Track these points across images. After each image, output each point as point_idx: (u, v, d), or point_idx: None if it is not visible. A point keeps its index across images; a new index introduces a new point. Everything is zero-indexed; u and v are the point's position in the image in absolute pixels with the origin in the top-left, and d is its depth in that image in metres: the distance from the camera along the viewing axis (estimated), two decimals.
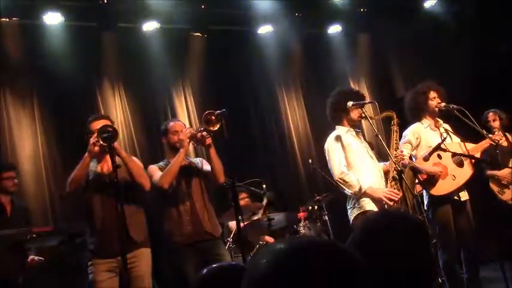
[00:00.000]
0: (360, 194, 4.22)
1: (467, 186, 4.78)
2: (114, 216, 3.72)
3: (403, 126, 4.83)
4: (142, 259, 3.97)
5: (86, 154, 3.84)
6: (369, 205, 4.21)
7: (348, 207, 4.37)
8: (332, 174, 4.41)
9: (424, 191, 4.82)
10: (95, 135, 3.80)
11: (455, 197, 4.69)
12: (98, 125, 3.96)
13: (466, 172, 4.74)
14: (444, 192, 4.65)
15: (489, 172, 5.70)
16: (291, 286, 0.99)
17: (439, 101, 4.85)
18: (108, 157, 3.93)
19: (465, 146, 4.70)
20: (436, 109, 4.84)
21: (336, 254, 1.04)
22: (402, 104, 5.18)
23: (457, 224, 4.67)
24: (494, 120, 5.75)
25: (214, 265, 1.74)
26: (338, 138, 4.37)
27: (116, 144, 3.81)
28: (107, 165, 4.00)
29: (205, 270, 1.69)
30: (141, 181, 3.99)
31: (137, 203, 4.08)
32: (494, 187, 5.74)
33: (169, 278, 5.27)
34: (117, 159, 3.77)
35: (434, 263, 4.21)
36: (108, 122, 4.03)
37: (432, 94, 4.88)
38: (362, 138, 4.61)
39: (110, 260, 3.87)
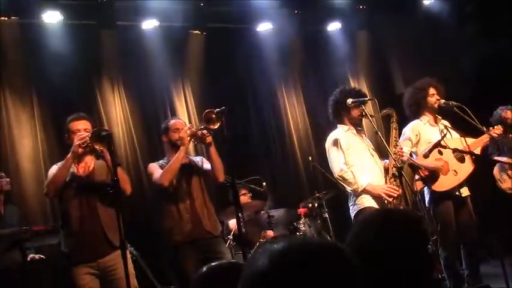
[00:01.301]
0: (360, 191, 4.23)
1: (468, 181, 4.78)
2: (92, 219, 3.73)
3: (402, 123, 4.84)
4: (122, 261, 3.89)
5: (69, 155, 3.76)
6: (368, 202, 4.23)
7: (350, 204, 4.39)
8: (332, 172, 4.43)
9: (426, 188, 4.82)
10: (83, 135, 3.73)
11: (457, 193, 4.70)
12: (77, 125, 3.90)
13: (467, 167, 4.74)
14: (446, 187, 4.66)
15: (495, 158, 5.68)
16: (285, 285, 0.99)
17: (438, 98, 4.85)
18: (87, 159, 3.89)
19: (465, 141, 4.70)
20: (435, 106, 4.85)
21: (330, 255, 1.04)
22: (401, 101, 5.18)
23: (459, 220, 4.68)
24: (506, 114, 5.72)
25: (214, 263, 1.74)
26: (336, 141, 4.38)
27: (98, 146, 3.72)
28: (85, 167, 3.94)
29: (205, 268, 1.69)
30: (123, 185, 3.89)
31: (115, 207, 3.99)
32: (496, 174, 5.75)
33: (169, 276, 5.27)
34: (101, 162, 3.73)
35: (434, 260, 4.22)
36: (88, 123, 3.96)
37: (431, 91, 4.88)
38: (364, 136, 4.62)
39: (89, 264, 3.79)
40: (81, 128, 3.87)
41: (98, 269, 3.81)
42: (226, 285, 1.63)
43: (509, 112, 5.78)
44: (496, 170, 5.77)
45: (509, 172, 5.61)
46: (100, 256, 3.81)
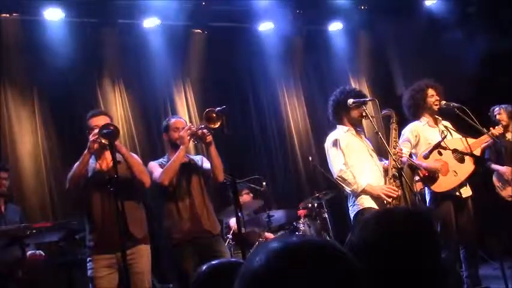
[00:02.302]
0: (359, 192, 4.23)
1: (469, 182, 4.78)
2: (114, 213, 3.73)
3: (402, 124, 4.83)
4: (142, 256, 3.97)
5: (86, 151, 3.84)
6: (368, 202, 4.23)
7: (349, 205, 4.39)
8: (332, 173, 4.43)
9: (426, 188, 4.82)
10: (95, 132, 3.80)
11: (457, 193, 4.70)
12: (96, 121, 3.96)
13: (467, 168, 4.74)
14: (446, 188, 4.66)
15: (492, 166, 5.71)
16: (282, 284, 0.99)
17: (437, 99, 4.85)
18: (107, 154, 3.92)
19: (466, 142, 4.70)
20: (435, 107, 4.85)
21: (329, 254, 1.04)
22: (401, 101, 5.18)
23: (458, 221, 4.68)
24: (500, 114, 5.74)
25: (213, 261, 1.74)
26: (336, 141, 4.38)
27: (116, 142, 3.80)
28: (105, 162, 3.98)
29: (204, 267, 1.69)
30: (141, 177, 4.00)
31: (137, 199, 4.07)
32: (496, 182, 5.76)
33: (169, 275, 5.28)
34: (118, 156, 3.77)
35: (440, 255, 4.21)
36: (107, 118, 4.04)
37: (430, 92, 4.88)
38: (363, 137, 4.61)
39: (109, 255, 3.87)
40: (100, 124, 3.90)
41: (118, 261, 3.84)
42: (226, 284, 1.63)
43: (503, 112, 5.76)
44: (494, 178, 5.78)
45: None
46: (120, 249, 3.77)
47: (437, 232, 1.52)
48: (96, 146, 3.81)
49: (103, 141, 3.74)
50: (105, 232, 3.87)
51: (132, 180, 3.96)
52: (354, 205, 4.31)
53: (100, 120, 3.97)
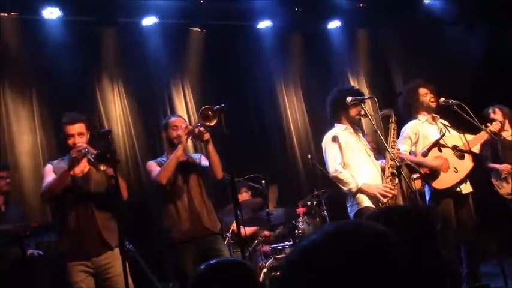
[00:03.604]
0: (355, 191, 4.23)
1: (469, 178, 4.79)
2: (88, 220, 3.75)
3: (401, 123, 4.84)
4: (117, 258, 3.74)
5: (67, 168, 3.72)
6: (366, 202, 4.22)
7: (348, 205, 4.39)
8: (328, 172, 4.44)
9: (426, 186, 4.82)
10: (80, 147, 3.70)
11: (457, 190, 4.70)
12: (71, 129, 3.83)
13: (467, 164, 4.75)
14: (447, 185, 4.67)
15: (490, 165, 5.72)
16: (334, 264, 0.99)
17: (432, 97, 4.87)
18: (82, 161, 3.79)
19: (465, 138, 4.71)
20: (432, 105, 4.86)
21: (381, 239, 1.05)
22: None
23: (459, 218, 4.68)
24: (494, 113, 5.74)
25: (212, 261, 1.74)
26: (335, 137, 4.37)
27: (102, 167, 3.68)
28: (81, 168, 3.87)
29: (203, 266, 1.69)
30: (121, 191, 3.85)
31: (111, 209, 3.92)
32: (494, 180, 5.77)
33: (169, 274, 5.27)
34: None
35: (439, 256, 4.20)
36: (83, 125, 3.89)
37: (423, 91, 4.91)
38: (360, 136, 4.61)
39: (84, 262, 3.81)
40: (75, 133, 3.82)
41: (93, 267, 3.82)
42: (224, 283, 1.63)
43: (497, 111, 5.77)
44: (493, 177, 5.79)
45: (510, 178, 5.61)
46: (94, 255, 3.82)
47: (437, 232, 1.50)
48: (76, 163, 3.70)
49: (101, 167, 3.64)
50: (79, 238, 3.81)
51: (109, 190, 3.85)
52: (352, 205, 4.32)
53: (76, 129, 3.83)
